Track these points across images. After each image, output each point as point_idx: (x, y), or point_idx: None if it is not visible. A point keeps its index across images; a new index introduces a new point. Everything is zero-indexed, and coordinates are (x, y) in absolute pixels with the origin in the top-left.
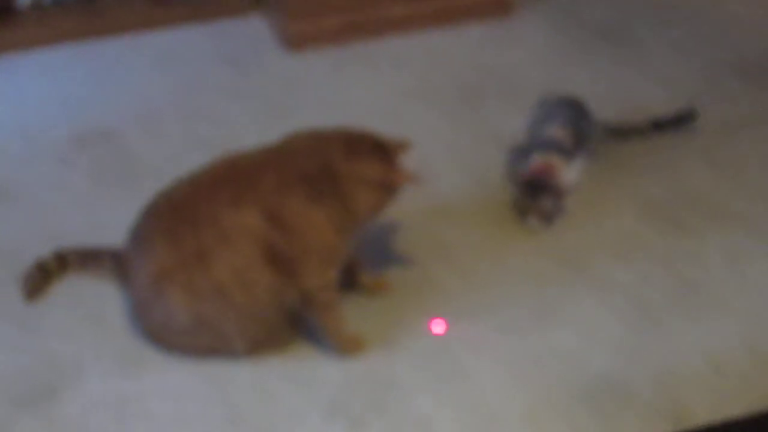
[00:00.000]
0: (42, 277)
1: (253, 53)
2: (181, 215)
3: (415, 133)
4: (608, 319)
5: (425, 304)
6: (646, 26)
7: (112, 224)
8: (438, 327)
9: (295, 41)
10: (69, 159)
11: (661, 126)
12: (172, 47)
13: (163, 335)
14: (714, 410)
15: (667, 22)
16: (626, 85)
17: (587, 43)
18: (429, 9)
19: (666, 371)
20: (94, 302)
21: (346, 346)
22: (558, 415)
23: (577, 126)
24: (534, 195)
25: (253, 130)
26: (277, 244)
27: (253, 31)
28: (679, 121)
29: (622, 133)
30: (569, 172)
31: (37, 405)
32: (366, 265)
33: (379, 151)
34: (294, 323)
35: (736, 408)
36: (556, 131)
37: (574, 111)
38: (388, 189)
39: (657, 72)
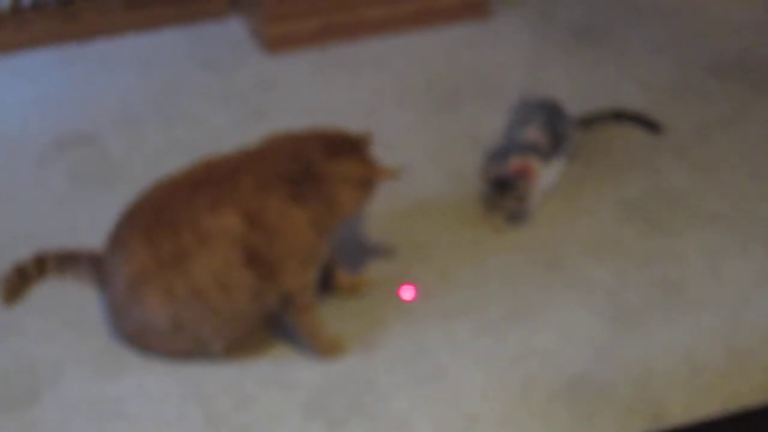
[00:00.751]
0: (20, 280)
1: (232, 56)
2: (160, 218)
3: (394, 135)
4: (586, 318)
5: (403, 304)
6: (623, 26)
7: (90, 227)
8: (407, 293)
9: (273, 43)
10: (47, 162)
11: (623, 118)
12: (150, 50)
13: (141, 338)
14: (692, 408)
15: (645, 22)
16: (604, 85)
17: (565, 44)
18: (407, 11)
19: (644, 370)
20: (73, 306)
21: (325, 348)
22: (536, 416)
23: (554, 128)
24: (501, 194)
25: (232, 133)
26: (257, 246)
27: (231, 33)
28: (642, 123)
29: (585, 122)
30: (547, 174)
31: (15, 409)
32: (343, 265)
33: (356, 149)
34: (271, 325)
35: (714, 406)
36: (533, 133)
37: (551, 113)
38: (368, 186)
39: (634, 72)
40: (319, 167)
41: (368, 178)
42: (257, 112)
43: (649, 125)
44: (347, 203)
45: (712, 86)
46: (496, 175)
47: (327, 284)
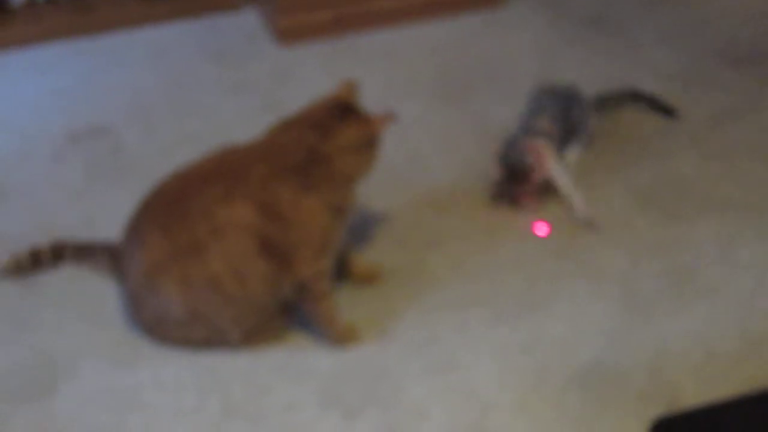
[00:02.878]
0: (32, 261)
1: (244, 47)
2: (175, 210)
3: (406, 125)
4: (599, 305)
5: (417, 293)
6: (634, 16)
7: (106, 219)
8: (541, 230)
9: (285, 35)
10: (63, 155)
11: (641, 99)
12: (163, 43)
13: (157, 328)
14: (706, 392)
15: (656, 11)
16: (616, 74)
17: (577, 33)
18: (418, 1)
19: (657, 356)
20: (90, 297)
21: (341, 337)
22: (550, 403)
23: (567, 117)
24: (514, 180)
25: (244, 124)
26: (271, 236)
27: (244, 25)
28: (658, 108)
29: (602, 101)
30: (556, 163)
31: (34, 401)
32: (358, 255)
33: (345, 114)
34: (287, 314)
35: (728, 389)
36: (544, 123)
37: (567, 101)
38: (371, 143)
39: (646, 60)
40: (320, 150)
41: (367, 135)
42: (270, 103)
43: (666, 110)
44: (356, 170)
45: (723, 75)
46: (507, 162)
47: (342, 272)
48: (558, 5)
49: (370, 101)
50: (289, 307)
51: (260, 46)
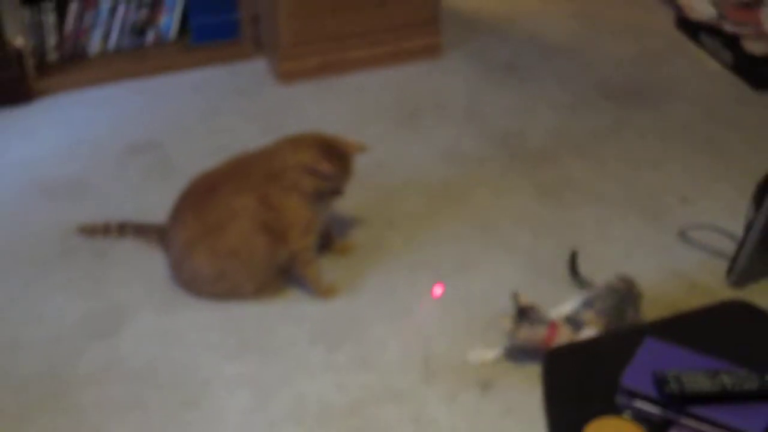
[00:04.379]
0: (102, 230)
1: (256, 86)
2: (204, 199)
3: (372, 141)
4: (511, 268)
5: (379, 260)
6: (537, 62)
7: (156, 208)
8: (437, 290)
9: (286, 76)
10: (125, 162)
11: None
12: (198, 82)
13: (192, 285)
14: None
15: (552, 58)
16: (524, 103)
17: (495, 76)
18: (382, 52)
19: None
20: (145, 262)
21: (323, 292)
22: (476, 338)
23: (622, 316)
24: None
25: (256, 141)
26: (269, 220)
27: (256, 69)
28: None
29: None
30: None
31: (103, 338)
32: (336, 233)
33: (316, 144)
34: (285, 274)
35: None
36: (590, 315)
37: (623, 301)
38: (315, 172)
39: (544, 94)
40: (285, 163)
41: (314, 166)
42: (275, 126)
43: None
44: (316, 187)
45: (600, 104)
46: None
47: (324, 246)
48: (481, 56)
49: (345, 123)
50: (286, 270)
51: (267, 84)
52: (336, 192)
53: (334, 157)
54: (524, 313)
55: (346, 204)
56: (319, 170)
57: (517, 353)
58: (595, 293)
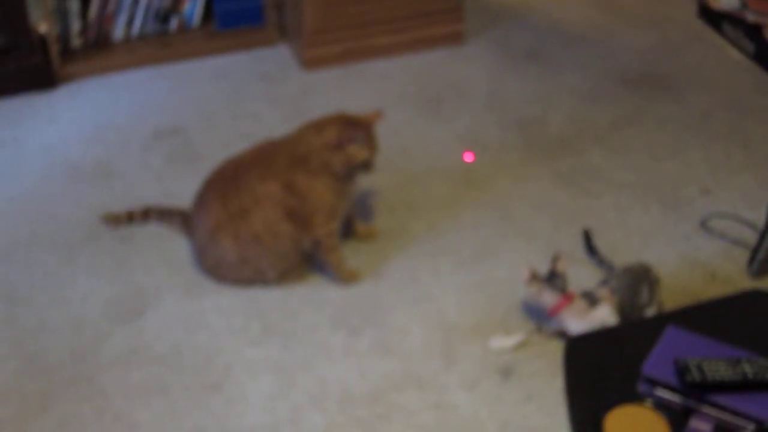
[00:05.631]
0: (126, 218)
1: (281, 71)
2: (228, 186)
3: (396, 127)
4: (531, 256)
5: (401, 246)
6: (557, 51)
7: (180, 193)
8: (468, 157)
9: (310, 63)
10: (150, 147)
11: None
12: (223, 68)
13: (217, 270)
14: None
15: (573, 46)
16: (545, 91)
17: (518, 62)
18: (405, 39)
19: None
20: (169, 247)
21: (346, 277)
22: (496, 325)
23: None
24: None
25: (280, 126)
26: (293, 207)
27: (281, 55)
28: (589, 248)
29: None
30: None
31: (128, 322)
32: (359, 219)
33: (339, 122)
34: (308, 260)
35: None
36: (604, 292)
37: (636, 282)
38: (340, 148)
39: (565, 82)
40: (313, 146)
41: (340, 141)
42: (299, 111)
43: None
44: (344, 163)
45: (620, 93)
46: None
47: (347, 232)
48: (505, 42)
49: (369, 109)
50: (309, 256)
51: (291, 71)
52: (366, 166)
53: (356, 128)
54: (553, 276)
55: (369, 190)
56: (347, 141)
57: (526, 306)
58: (612, 273)
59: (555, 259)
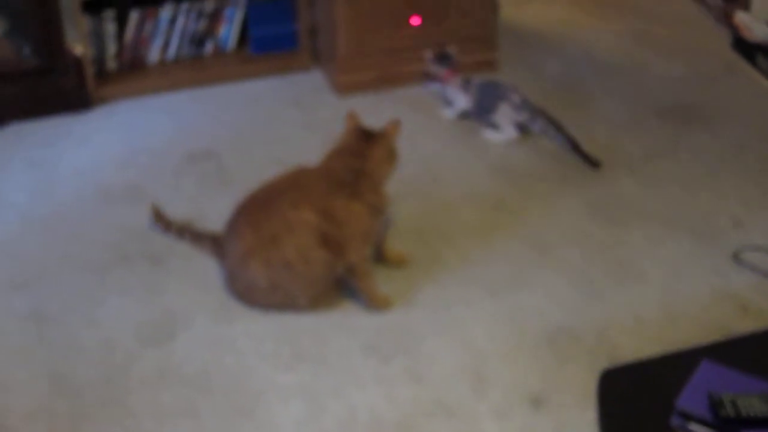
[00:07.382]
0: (166, 223)
1: (314, 96)
2: (260, 211)
3: (428, 154)
4: (562, 286)
5: (433, 274)
6: (590, 79)
7: (212, 217)
8: (415, 21)
9: (343, 88)
10: (182, 170)
11: (573, 149)
12: (256, 92)
13: (247, 295)
14: (638, 351)
15: (605, 76)
16: (577, 121)
17: (550, 90)
18: None
19: (603, 324)
20: (200, 270)
21: (378, 304)
22: (526, 355)
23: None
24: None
25: (313, 152)
26: (328, 233)
27: (314, 81)
28: (583, 157)
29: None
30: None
31: (159, 345)
32: (392, 245)
33: (367, 136)
34: (340, 286)
35: (655, 349)
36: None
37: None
38: (391, 149)
39: (597, 111)
40: (364, 169)
41: (388, 144)
42: (331, 136)
43: (589, 161)
44: (387, 172)
45: (653, 124)
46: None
47: (378, 258)
48: (535, 71)
49: (400, 136)
50: (341, 282)
51: (324, 96)
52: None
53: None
54: (444, 57)
55: (401, 217)
56: (393, 134)
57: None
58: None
59: (446, 43)
